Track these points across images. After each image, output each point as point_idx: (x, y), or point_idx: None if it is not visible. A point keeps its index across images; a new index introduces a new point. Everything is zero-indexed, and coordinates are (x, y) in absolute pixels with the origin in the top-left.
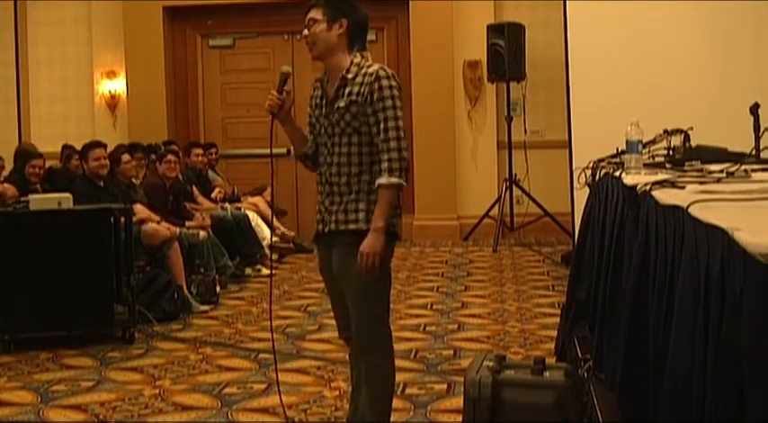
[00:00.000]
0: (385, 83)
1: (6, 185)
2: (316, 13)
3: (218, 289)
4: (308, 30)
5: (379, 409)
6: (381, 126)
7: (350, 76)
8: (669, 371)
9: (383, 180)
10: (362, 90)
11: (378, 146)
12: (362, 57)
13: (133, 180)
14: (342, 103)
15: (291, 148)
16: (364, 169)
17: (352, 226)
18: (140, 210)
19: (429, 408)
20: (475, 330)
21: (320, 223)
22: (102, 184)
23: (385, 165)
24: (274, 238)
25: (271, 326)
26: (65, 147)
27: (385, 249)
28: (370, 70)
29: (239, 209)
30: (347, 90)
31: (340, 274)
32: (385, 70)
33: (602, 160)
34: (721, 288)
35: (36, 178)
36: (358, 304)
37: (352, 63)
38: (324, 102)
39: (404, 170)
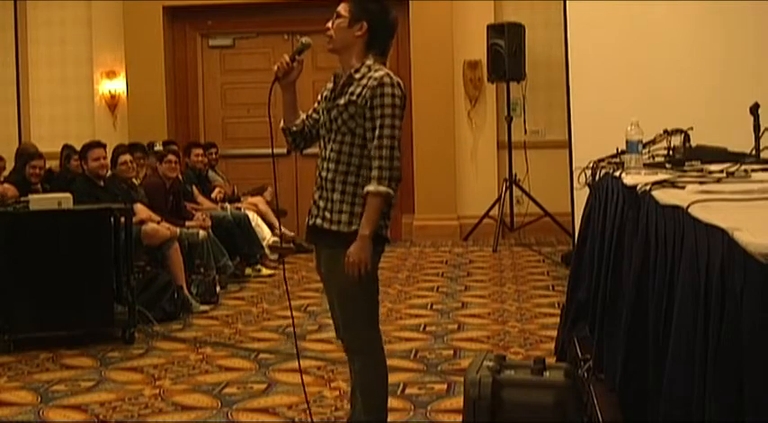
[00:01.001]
0: (388, 90)
1: (7, 185)
2: (343, 8)
3: (218, 289)
4: (331, 22)
5: (375, 410)
6: (377, 132)
7: (357, 76)
8: (669, 371)
9: (371, 187)
10: (364, 92)
11: (370, 151)
12: (377, 61)
13: (133, 180)
14: (342, 101)
15: (291, 148)
16: (352, 170)
17: (334, 227)
18: (140, 210)
19: (429, 408)
20: (475, 330)
21: (308, 215)
22: (102, 184)
23: (375, 172)
24: (274, 239)
25: (291, 312)
26: (65, 147)
27: (373, 254)
28: (377, 75)
29: (239, 209)
30: (350, 89)
31: (326, 276)
32: (391, 77)
33: (602, 160)
34: (721, 288)
35: (36, 178)
36: (343, 307)
37: (363, 64)
38: (332, 95)
39: (394, 179)
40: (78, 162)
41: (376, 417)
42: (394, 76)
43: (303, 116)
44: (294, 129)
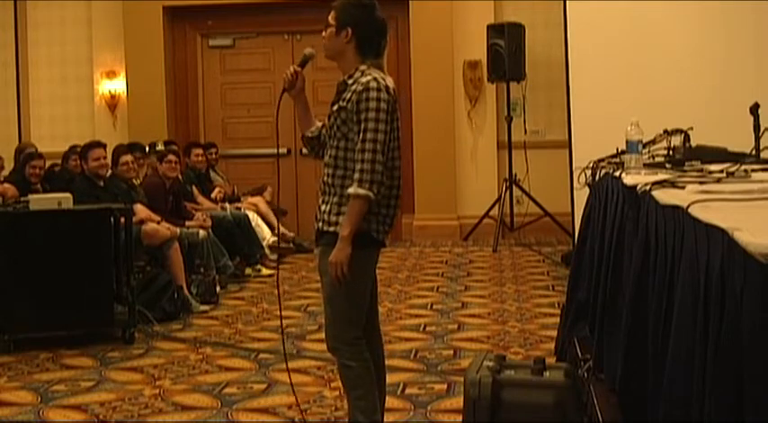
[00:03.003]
0: (373, 94)
1: (6, 185)
2: (330, 16)
3: (218, 289)
4: (324, 31)
5: (364, 409)
6: (360, 136)
7: (350, 82)
8: (669, 371)
9: (352, 190)
10: (352, 97)
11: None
12: (371, 65)
13: (133, 180)
14: (335, 108)
15: (292, 148)
16: (348, 174)
17: (331, 228)
18: (140, 210)
19: (429, 408)
20: (475, 330)
21: (314, 220)
22: (102, 183)
23: (357, 175)
24: (274, 239)
25: (280, 313)
26: (71, 147)
27: (361, 255)
28: (364, 80)
29: (239, 209)
30: (343, 95)
31: (319, 272)
32: (377, 81)
33: (602, 160)
34: (721, 288)
35: (36, 178)
36: (327, 304)
37: (356, 69)
38: (332, 102)
39: (375, 182)
40: (76, 162)
41: (370, 415)
42: (382, 80)
43: (319, 124)
44: (310, 135)
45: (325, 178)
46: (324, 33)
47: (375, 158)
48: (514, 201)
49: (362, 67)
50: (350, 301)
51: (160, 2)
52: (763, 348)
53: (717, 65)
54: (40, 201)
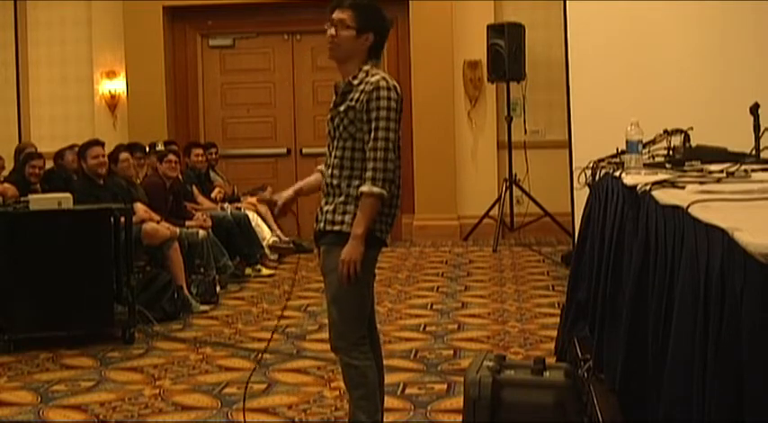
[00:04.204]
0: (383, 93)
1: (6, 185)
2: (346, 16)
3: (218, 289)
4: (334, 30)
5: (366, 409)
6: (372, 135)
7: (356, 82)
8: (669, 371)
9: (365, 188)
10: (361, 97)
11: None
12: (374, 65)
13: (134, 180)
14: (342, 108)
15: (292, 148)
16: (355, 174)
17: (336, 227)
18: (140, 209)
19: (429, 408)
20: (475, 330)
21: (315, 221)
22: (101, 182)
23: (369, 173)
24: (274, 239)
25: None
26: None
27: (367, 255)
28: (373, 79)
29: (239, 209)
30: (350, 96)
31: (322, 272)
32: (386, 81)
33: (602, 160)
34: (721, 288)
35: (36, 178)
36: (332, 303)
37: (361, 70)
38: (334, 104)
39: (387, 181)
40: (74, 157)
41: (371, 415)
42: (390, 79)
43: (321, 167)
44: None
45: (329, 179)
46: (333, 31)
47: (387, 157)
48: (514, 201)
49: (366, 68)
50: (356, 300)
51: (160, 2)
52: (763, 348)
53: (717, 65)
54: (40, 201)
